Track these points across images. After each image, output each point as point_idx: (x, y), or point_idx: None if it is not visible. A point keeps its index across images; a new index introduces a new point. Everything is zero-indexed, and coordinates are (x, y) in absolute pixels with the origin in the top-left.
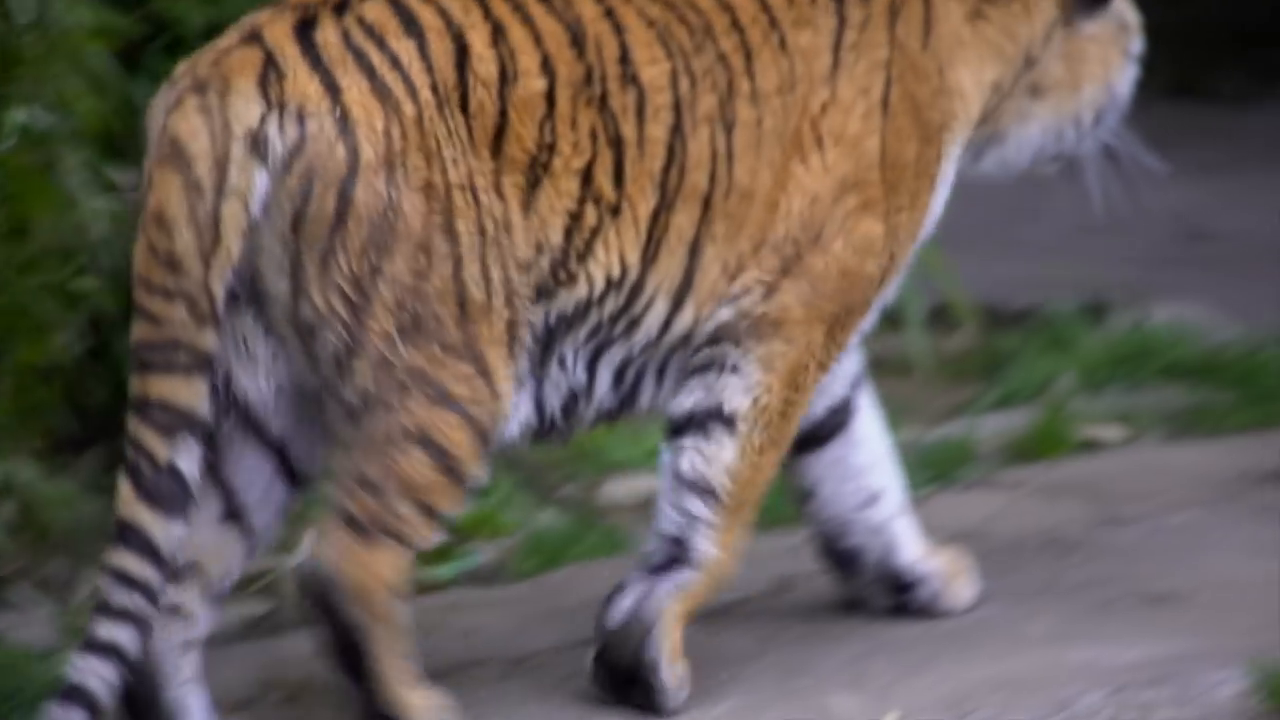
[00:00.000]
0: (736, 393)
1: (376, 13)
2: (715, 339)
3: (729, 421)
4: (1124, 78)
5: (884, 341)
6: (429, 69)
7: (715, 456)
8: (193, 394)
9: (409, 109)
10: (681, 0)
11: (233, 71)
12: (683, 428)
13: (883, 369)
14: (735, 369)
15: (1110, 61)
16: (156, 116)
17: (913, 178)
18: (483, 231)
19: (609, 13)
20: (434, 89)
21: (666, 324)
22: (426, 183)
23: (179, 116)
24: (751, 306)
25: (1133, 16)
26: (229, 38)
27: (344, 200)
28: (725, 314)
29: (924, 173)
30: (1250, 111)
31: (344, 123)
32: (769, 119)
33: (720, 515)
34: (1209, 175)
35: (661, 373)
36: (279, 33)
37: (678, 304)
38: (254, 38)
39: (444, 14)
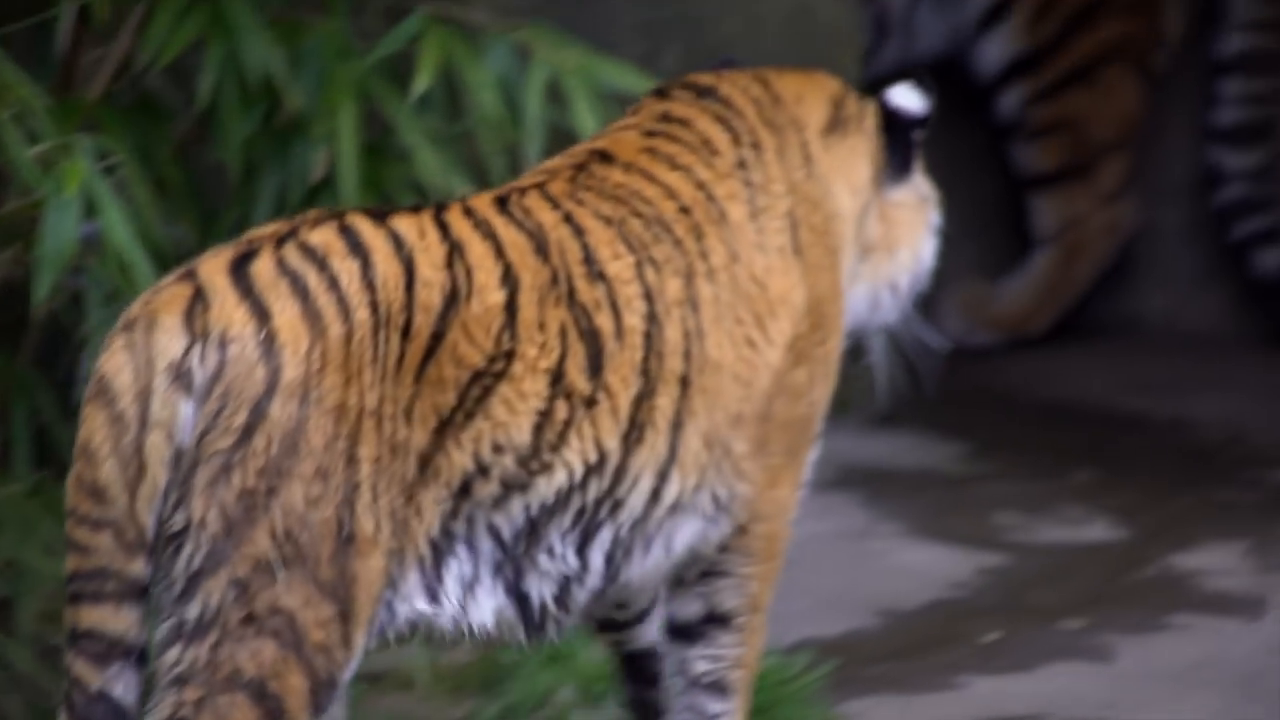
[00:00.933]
0: (731, 595)
1: (322, 236)
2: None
3: (727, 620)
4: (930, 247)
5: (383, 656)
6: (370, 288)
7: (724, 655)
8: (123, 621)
9: (337, 329)
10: (630, 194)
11: (160, 308)
12: (685, 633)
13: (383, 683)
14: (725, 572)
15: (918, 229)
16: (103, 353)
17: (824, 313)
18: (381, 459)
19: (567, 217)
20: (373, 308)
21: (653, 498)
22: (340, 405)
23: (107, 355)
24: (722, 500)
25: (930, 190)
26: (166, 279)
27: (256, 415)
28: (698, 524)
29: (835, 296)
30: None
31: (268, 345)
32: (725, 293)
33: (738, 701)
34: None
35: (648, 545)
36: (213, 268)
37: (663, 478)
38: (188, 275)
39: (395, 237)
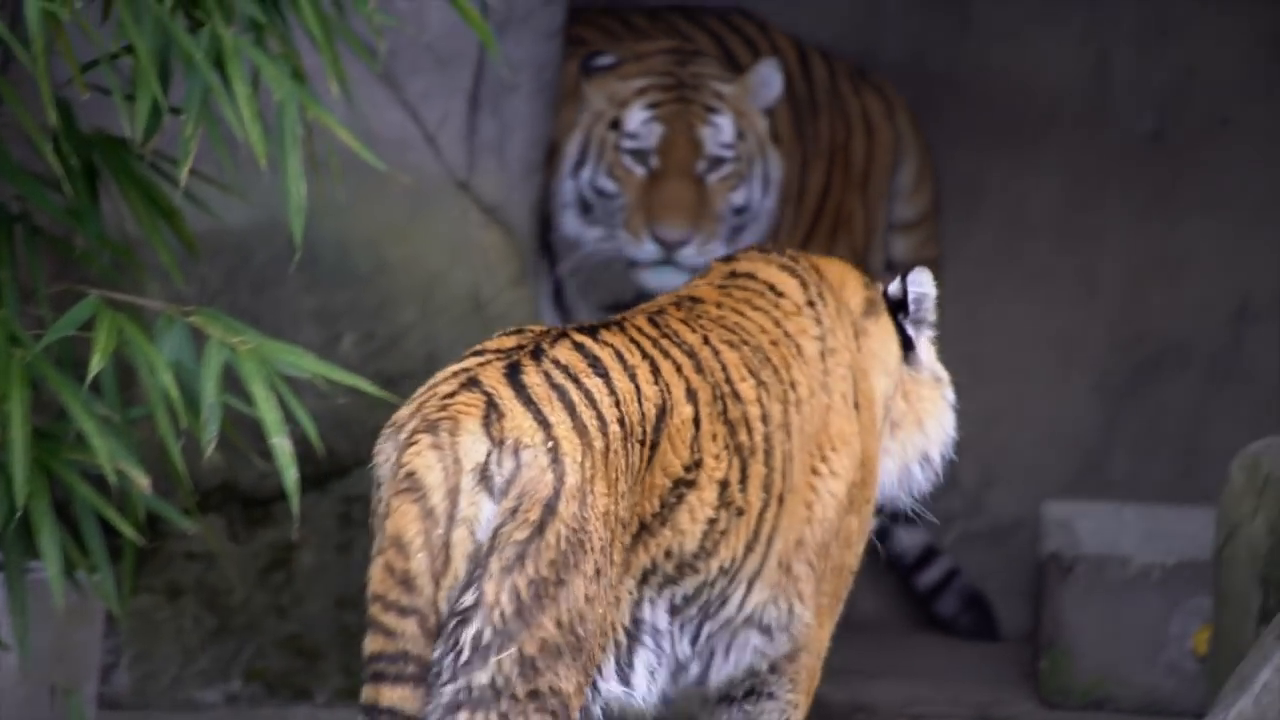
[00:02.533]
0: (773, 718)
1: (567, 355)
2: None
3: None
4: (952, 421)
5: None
6: (615, 404)
7: None
8: (417, 702)
9: (599, 442)
10: (734, 324)
11: (461, 414)
12: None
13: None
14: (771, 695)
15: (940, 403)
16: (387, 453)
17: (871, 471)
18: (612, 564)
19: (705, 340)
20: (620, 422)
21: (741, 605)
22: (605, 511)
23: (414, 452)
24: (782, 621)
25: (944, 370)
26: (448, 384)
27: (548, 513)
28: (760, 637)
29: (876, 464)
30: None
31: (554, 454)
32: (806, 424)
33: None
34: None
35: (728, 650)
36: (493, 377)
37: (750, 588)
38: (472, 382)
39: (619, 355)
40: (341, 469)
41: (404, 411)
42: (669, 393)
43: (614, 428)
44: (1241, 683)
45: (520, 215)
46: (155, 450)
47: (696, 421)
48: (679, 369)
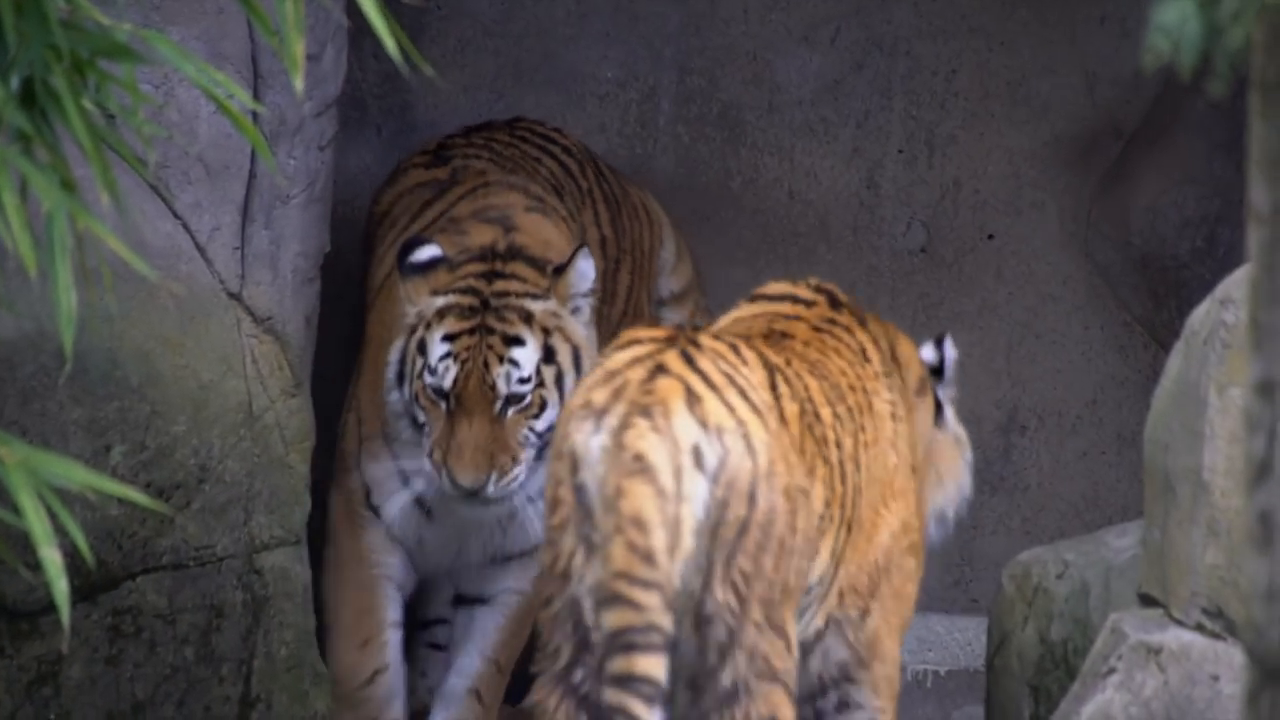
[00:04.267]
0: None
1: (719, 347)
2: (836, 679)
3: None
4: (970, 480)
5: None
6: (771, 393)
7: None
8: (662, 670)
9: (773, 422)
10: (816, 360)
11: (669, 398)
12: None
13: None
14: (860, 704)
15: (960, 464)
16: (587, 433)
17: (922, 530)
18: (803, 527)
19: (789, 361)
20: (775, 409)
21: (818, 613)
22: (786, 487)
23: (636, 435)
24: (855, 634)
25: (964, 432)
26: (637, 370)
27: (751, 505)
28: (839, 650)
29: (924, 528)
30: None
31: (748, 439)
32: (873, 466)
33: None
34: None
35: (807, 656)
36: (677, 365)
37: (825, 597)
38: (660, 368)
39: (759, 352)
40: (112, 580)
41: (596, 395)
42: (790, 389)
43: (774, 415)
44: None
45: (294, 326)
46: None
47: (801, 430)
48: (783, 380)
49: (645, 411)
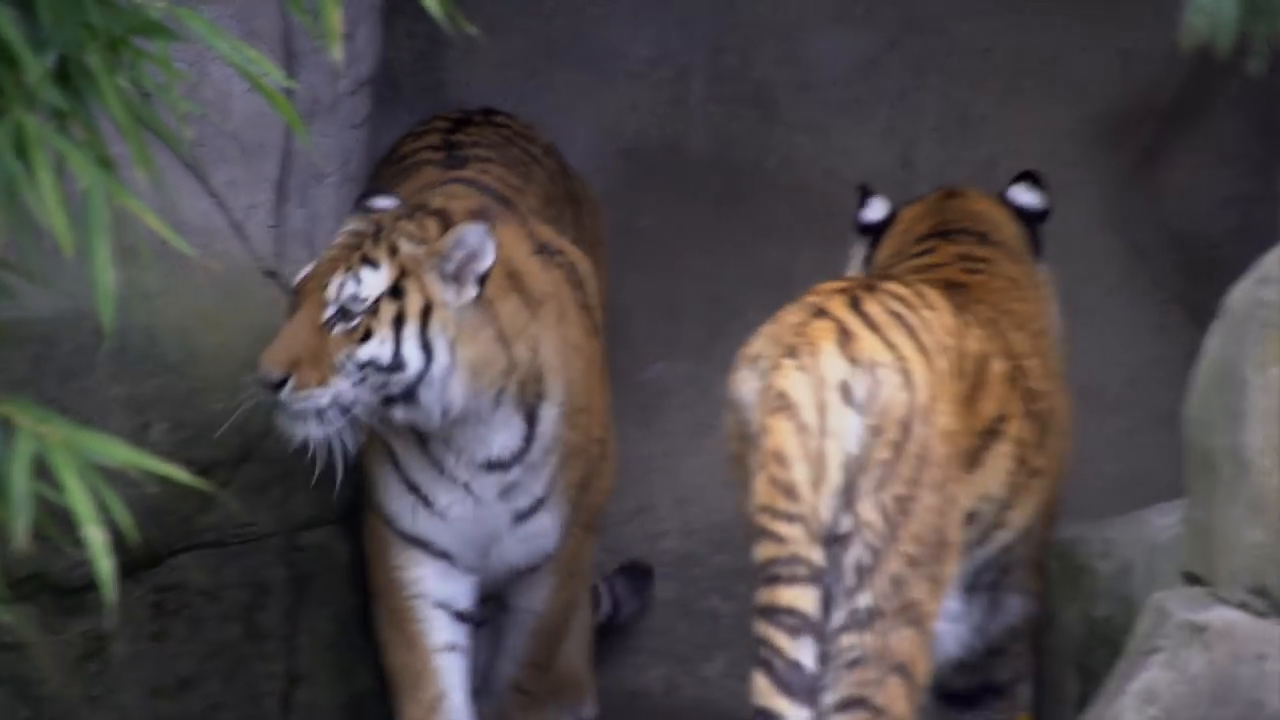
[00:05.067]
0: (1006, 669)
1: (898, 290)
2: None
3: (1000, 690)
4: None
5: None
6: (948, 335)
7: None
8: (810, 601)
9: (941, 364)
10: (1008, 308)
11: (818, 338)
12: (965, 701)
13: None
14: (1002, 649)
15: (1052, 302)
16: (748, 380)
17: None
18: (956, 480)
19: (993, 318)
20: (952, 351)
21: (1016, 566)
22: (945, 430)
23: (781, 374)
24: (1023, 550)
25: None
26: (797, 315)
27: (905, 434)
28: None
29: None
30: None
31: (905, 374)
32: (1058, 416)
33: None
34: None
35: (999, 607)
36: (838, 307)
37: (1008, 552)
38: (820, 311)
39: (935, 301)
40: (154, 558)
41: (756, 344)
42: (988, 343)
43: (949, 354)
44: None
45: None
46: None
47: (1009, 379)
48: (992, 326)
49: (792, 352)
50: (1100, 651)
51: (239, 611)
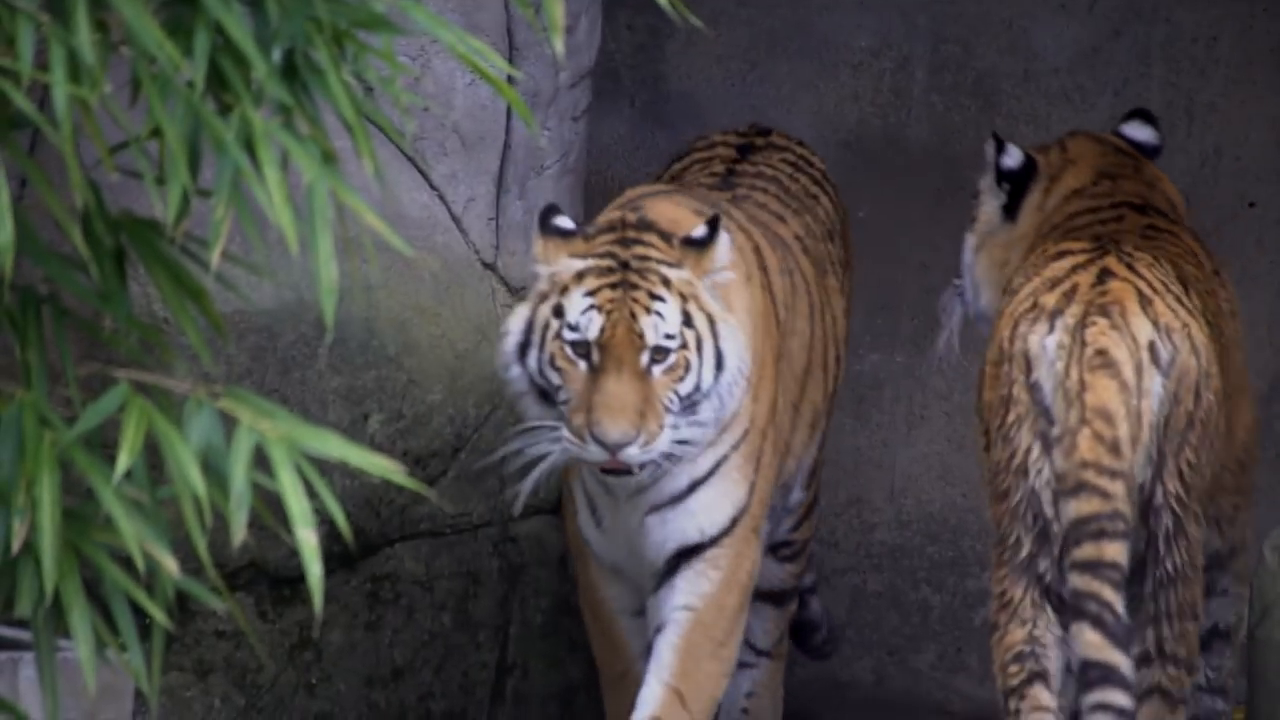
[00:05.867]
0: (1228, 612)
1: (1146, 257)
2: (1209, 567)
3: (1226, 634)
4: None
5: None
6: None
7: (1224, 665)
8: (1125, 556)
9: (1206, 326)
10: (1208, 291)
11: (1124, 299)
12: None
13: None
14: (1225, 591)
15: None
16: (1039, 334)
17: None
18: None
19: (1215, 312)
20: (1204, 315)
21: None
22: (1218, 390)
23: (1098, 333)
24: (1228, 529)
25: None
26: (1084, 275)
27: (1197, 401)
28: (1214, 541)
29: None
30: None
31: (1192, 340)
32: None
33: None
34: None
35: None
36: (1121, 269)
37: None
38: (1109, 273)
39: (1174, 264)
40: (370, 547)
41: (1045, 299)
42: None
43: (1203, 318)
44: None
45: None
46: (184, 528)
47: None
48: (1216, 315)
49: (1104, 311)
50: None
51: (452, 601)
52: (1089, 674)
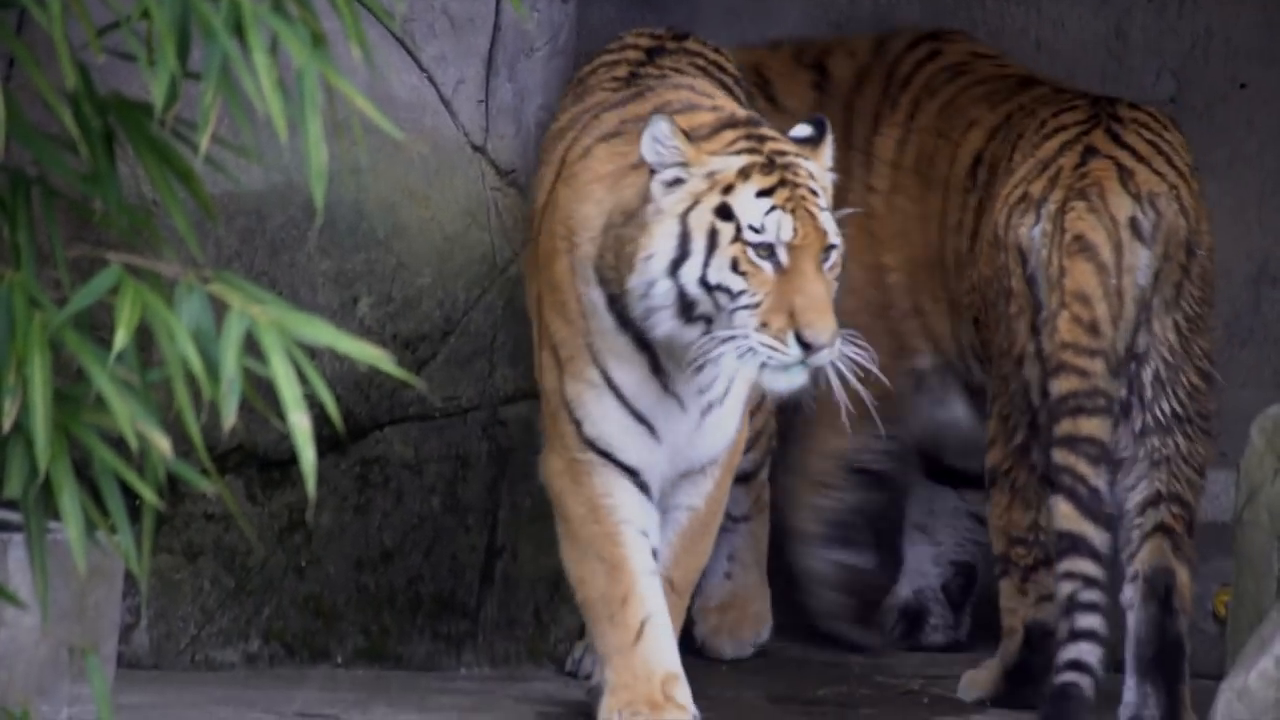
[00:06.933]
0: None
1: (1141, 116)
2: None
3: None
4: None
5: None
6: (1189, 156)
7: None
8: (1105, 431)
9: (1196, 185)
10: None
11: (1102, 178)
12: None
13: None
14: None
15: None
16: (1028, 224)
17: None
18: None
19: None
20: (1194, 173)
21: None
22: (1210, 249)
23: (1075, 218)
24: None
25: None
26: (1069, 157)
27: (1190, 256)
28: None
29: None
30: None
31: (1179, 201)
32: None
33: None
34: None
35: None
36: (1103, 143)
37: None
38: (1093, 151)
39: (1169, 122)
40: (360, 431)
41: (1034, 187)
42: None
43: (1195, 175)
44: (1262, 644)
45: None
46: (173, 412)
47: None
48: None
49: (1082, 194)
50: None
51: (441, 485)
52: (1060, 543)
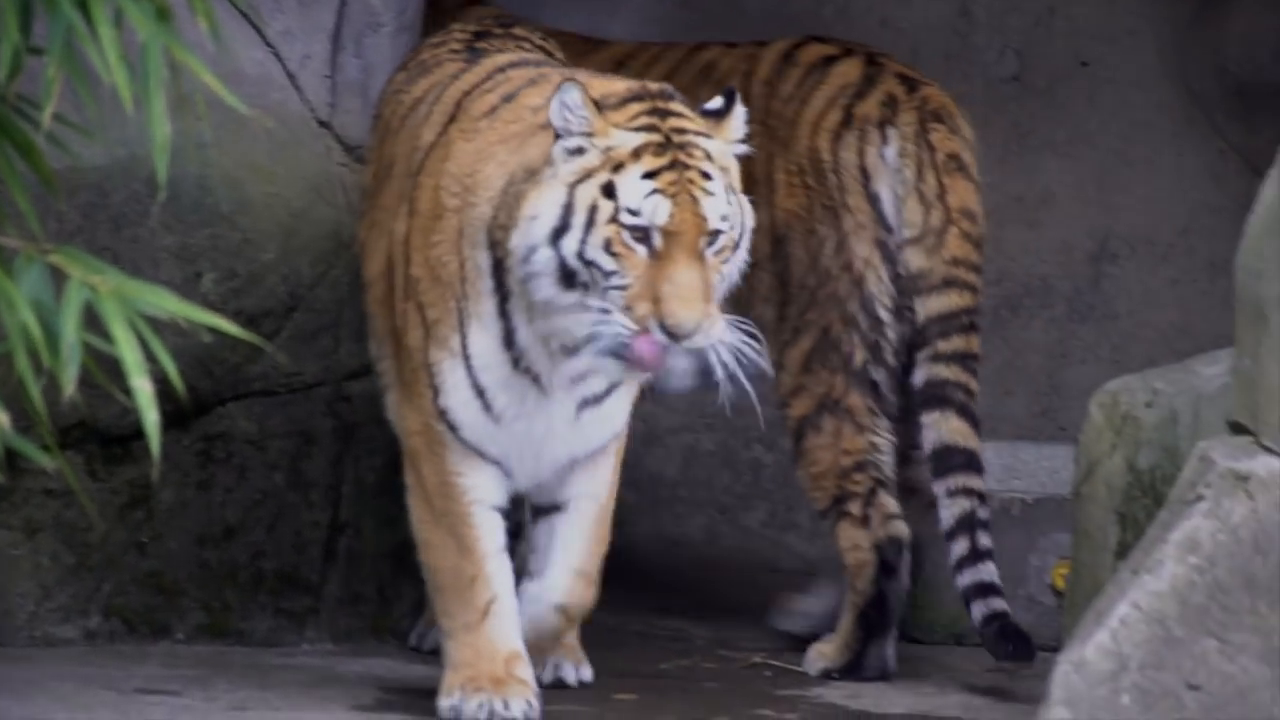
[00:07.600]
0: None
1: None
2: None
3: None
4: None
5: None
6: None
7: None
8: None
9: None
10: None
11: (946, 102)
12: None
13: None
14: None
15: None
16: (874, 148)
17: None
18: None
19: None
20: None
21: None
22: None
23: (945, 138)
24: None
25: None
26: (892, 85)
27: None
28: None
29: None
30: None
31: None
32: None
33: None
34: None
35: None
36: (912, 72)
37: None
38: (908, 80)
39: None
40: (203, 407)
41: (860, 109)
42: None
43: None
44: (1098, 617)
45: None
46: (13, 387)
47: None
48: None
49: (937, 116)
50: (1143, 500)
51: (285, 460)
52: (951, 459)
